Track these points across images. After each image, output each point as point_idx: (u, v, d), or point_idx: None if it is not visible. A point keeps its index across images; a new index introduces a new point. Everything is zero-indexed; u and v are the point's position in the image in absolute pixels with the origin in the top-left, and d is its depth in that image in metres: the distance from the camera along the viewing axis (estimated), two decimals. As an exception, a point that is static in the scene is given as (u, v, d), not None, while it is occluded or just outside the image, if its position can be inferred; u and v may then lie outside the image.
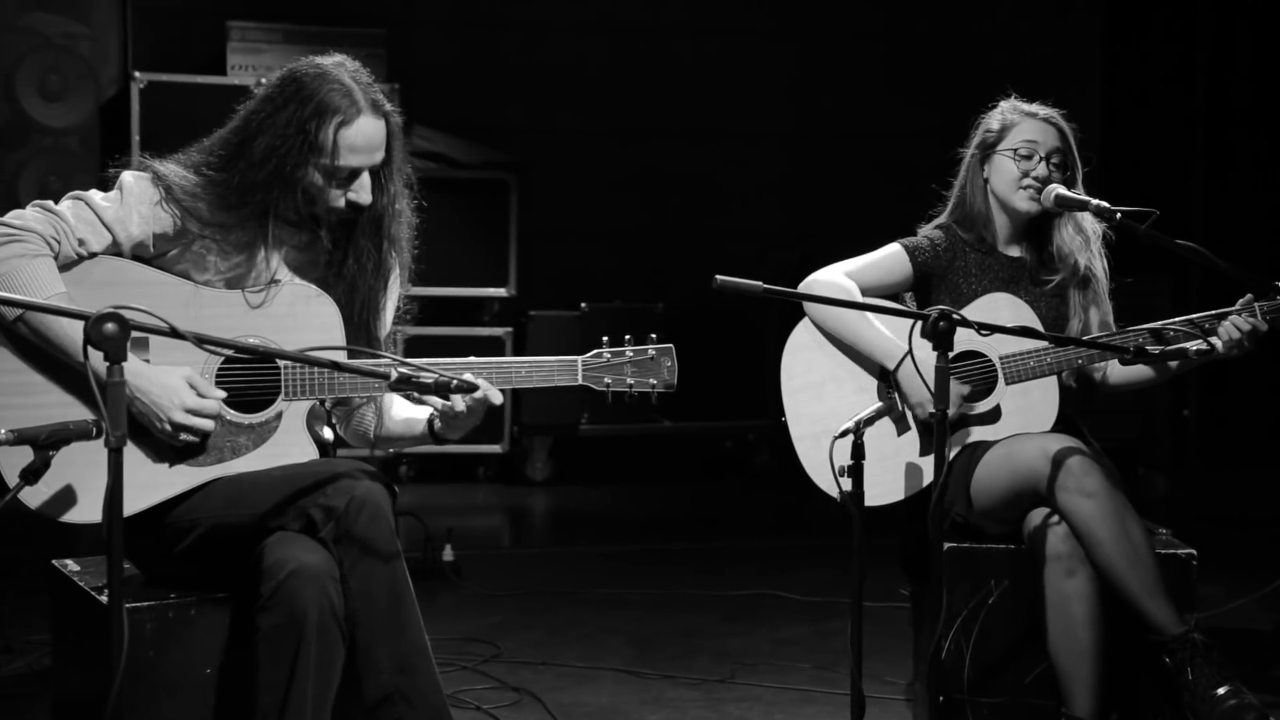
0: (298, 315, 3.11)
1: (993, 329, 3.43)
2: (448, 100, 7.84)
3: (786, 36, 8.19)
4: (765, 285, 3.16)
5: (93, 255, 3.06)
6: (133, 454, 3.01)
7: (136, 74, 7.19)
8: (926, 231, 3.98)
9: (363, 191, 3.15)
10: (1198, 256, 3.61)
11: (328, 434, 3.39)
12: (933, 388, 3.62)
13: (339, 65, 3.17)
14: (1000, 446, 3.70)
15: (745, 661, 4.64)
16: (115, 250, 3.09)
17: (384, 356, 3.05)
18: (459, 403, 3.10)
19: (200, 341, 2.65)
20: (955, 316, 3.24)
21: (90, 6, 7.38)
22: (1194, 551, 3.75)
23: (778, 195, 8.21)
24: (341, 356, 3.03)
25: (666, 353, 3.32)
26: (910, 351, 3.70)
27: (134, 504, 3.00)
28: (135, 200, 3.09)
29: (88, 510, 2.99)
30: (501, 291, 7.60)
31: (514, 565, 6.02)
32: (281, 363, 3.07)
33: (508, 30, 8.00)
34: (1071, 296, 3.89)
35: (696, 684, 4.44)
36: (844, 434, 3.42)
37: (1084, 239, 3.89)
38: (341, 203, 3.16)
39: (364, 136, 3.12)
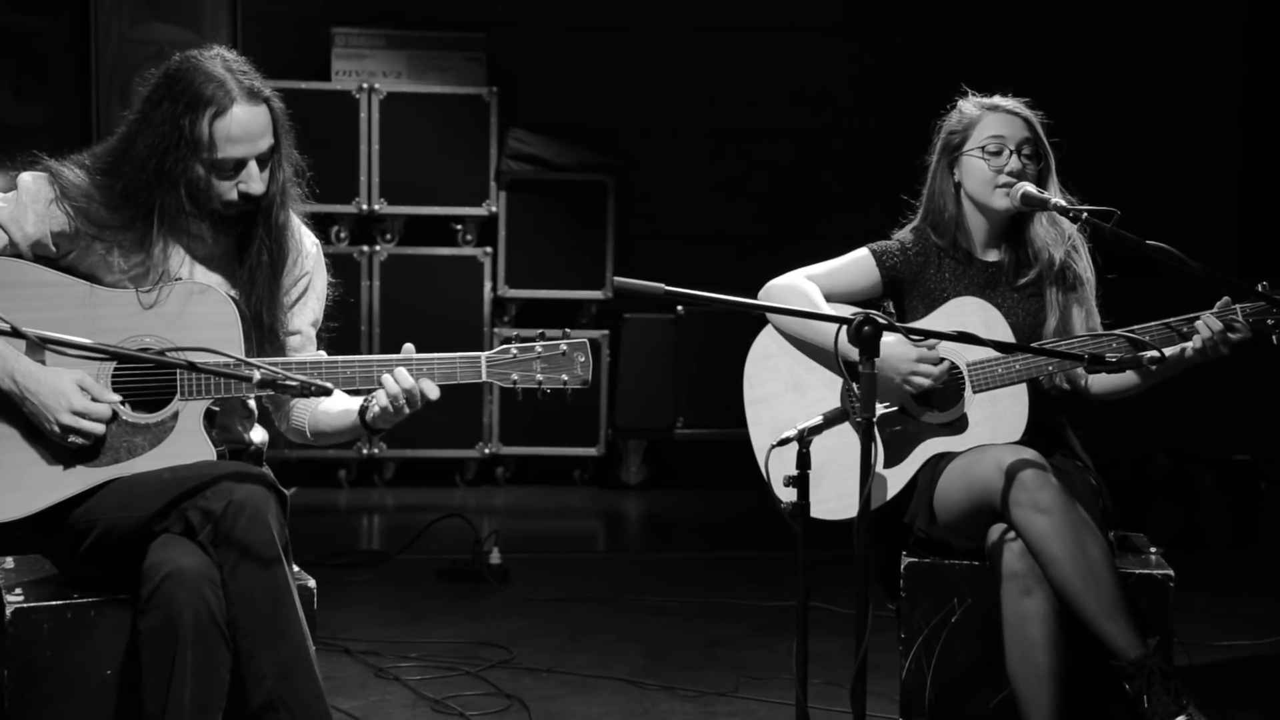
0: (189, 313, 3.11)
1: (925, 334, 3.28)
2: (548, 103, 7.83)
3: (895, 32, 7.97)
4: (666, 287, 3.07)
5: None
6: (29, 454, 3.05)
7: (243, 81, 7.36)
8: (899, 235, 3.83)
9: (252, 181, 3.14)
10: (1167, 257, 3.39)
11: (258, 434, 3.37)
12: (896, 370, 3.53)
13: (213, 57, 3.16)
14: (960, 459, 3.53)
15: (756, 675, 4.52)
16: (14, 250, 3.12)
17: (250, 361, 3.01)
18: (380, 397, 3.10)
19: (44, 342, 2.67)
20: (881, 320, 3.10)
21: (202, 16, 7.56)
22: (1171, 573, 3.53)
23: (886, 197, 7.99)
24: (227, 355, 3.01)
25: (580, 347, 3.24)
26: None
27: (32, 504, 3.05)
28: (30, 199, 3.13)
29: None
30: (598, 294, 7.57)
31: (569, 569, 5.97)
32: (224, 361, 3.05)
33: (608, 32, 7.96)
34: (1049, 294, 3.71)
35: (694, 696, 4.35)
36: (783, 442, 3.32)
37: (1058, 233, 3.70)
38: (234, 195, 3.15)
39: (240, 126, 3.11)
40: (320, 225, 7.58)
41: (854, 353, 3.58)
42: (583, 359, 3.23)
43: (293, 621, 2.97)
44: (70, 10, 7.44)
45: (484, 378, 3.19)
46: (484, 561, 5.57)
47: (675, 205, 7.98)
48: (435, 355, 3.19)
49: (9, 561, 3.39)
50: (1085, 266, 3.74)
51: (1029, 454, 3.42)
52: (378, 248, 7.48)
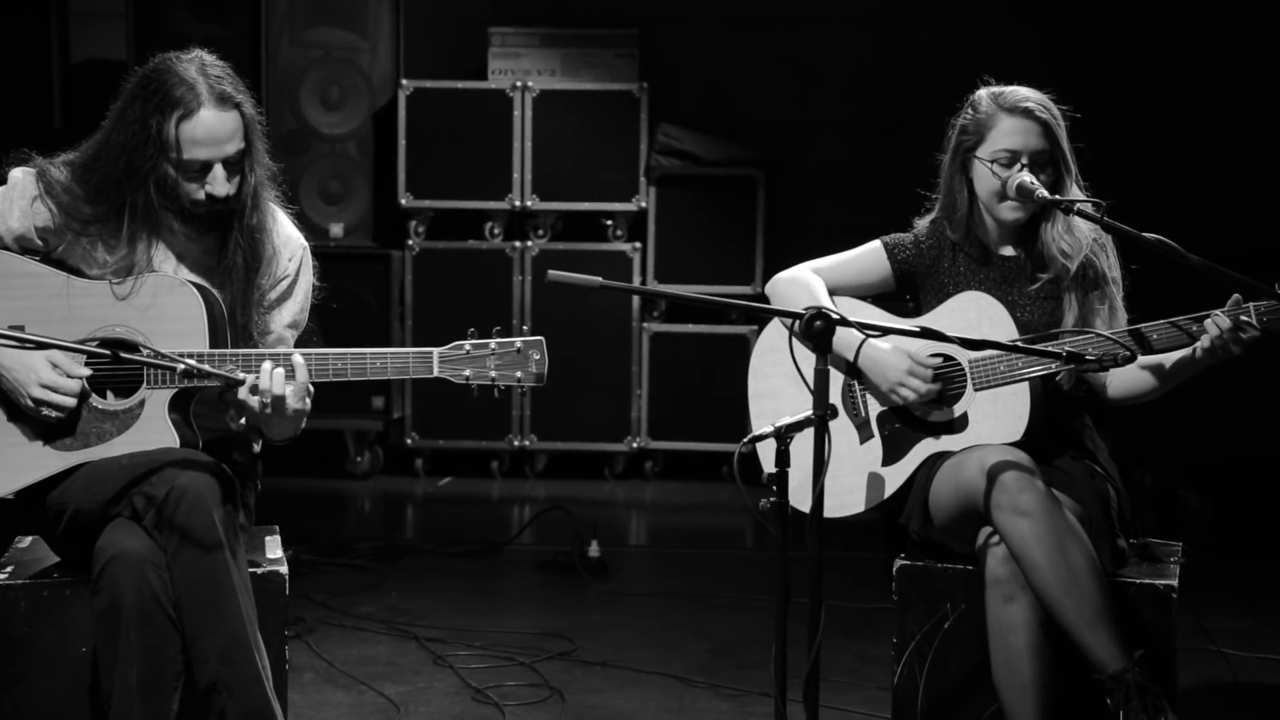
0: (160, 306, 3.20)
1: (882, 330, 3.18)
2: (700, 98, 7.82)
3: (1070, 16, 7.67)
4: (602, 280, 3.05)
5: None
6: (7, 435, 3.20)
7: (404, 81, 7.58)
8: (917, 227, 3.72)
9: (217, 184, 3.22)
10: (1166, 249, 3.21)
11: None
12: (884, 378, 3.45)
13: (190, 60, 3.24)
14: (952, 459, 3.40)
15: (812, 676, 4.43)
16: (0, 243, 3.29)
17: (172, 359, 3.07)
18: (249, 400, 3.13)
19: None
20: (833, 315, 3.02)
21: (367, 19, 7.79)
22: (1175, 584, 3.33)
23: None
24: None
25: (535, 345, 3.23)
26: (867, 339, 3.50)
27: (7, 485, 3.20)
28: (17, 195, 3.27)
29: None
30: (748, 289, 7.49)
31: (677, 564, 5.96)
32: (145, 352, 3.16)
33: (761, 26, 7.89)
34: (1066, 297, 3.53)
35: (737, 696, 4.30)
36: (756, 439, 3.26)
37: (1074, 240, 3.52)
38: (201, 195, 3.24)
39: (205, 129, 3.19)
40: (474, 221, 7.83)
41: (849, 352, 3.54)
42: (537, 357, 3.22)
43: (232, 606, 3.04)
44: (245, 17, 7.77)
45: (436, 373, 3.20)
46: (581, 555, 5.60)
47: (827, 200, 7.86)
48: (387, 350, 3.21)
49: (25, 541, 3.56)
50: (1110, 264, 3.56)
51: (1015, 455, 3.27)
52: (529, 243, 7.58)
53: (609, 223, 7.57)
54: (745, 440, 3.27)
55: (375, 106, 7.75)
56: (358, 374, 3.20)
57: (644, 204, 7.54)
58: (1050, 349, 3.19)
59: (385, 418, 7.59)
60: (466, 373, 3.20)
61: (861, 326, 3.08)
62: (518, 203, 7.54)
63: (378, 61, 7.80)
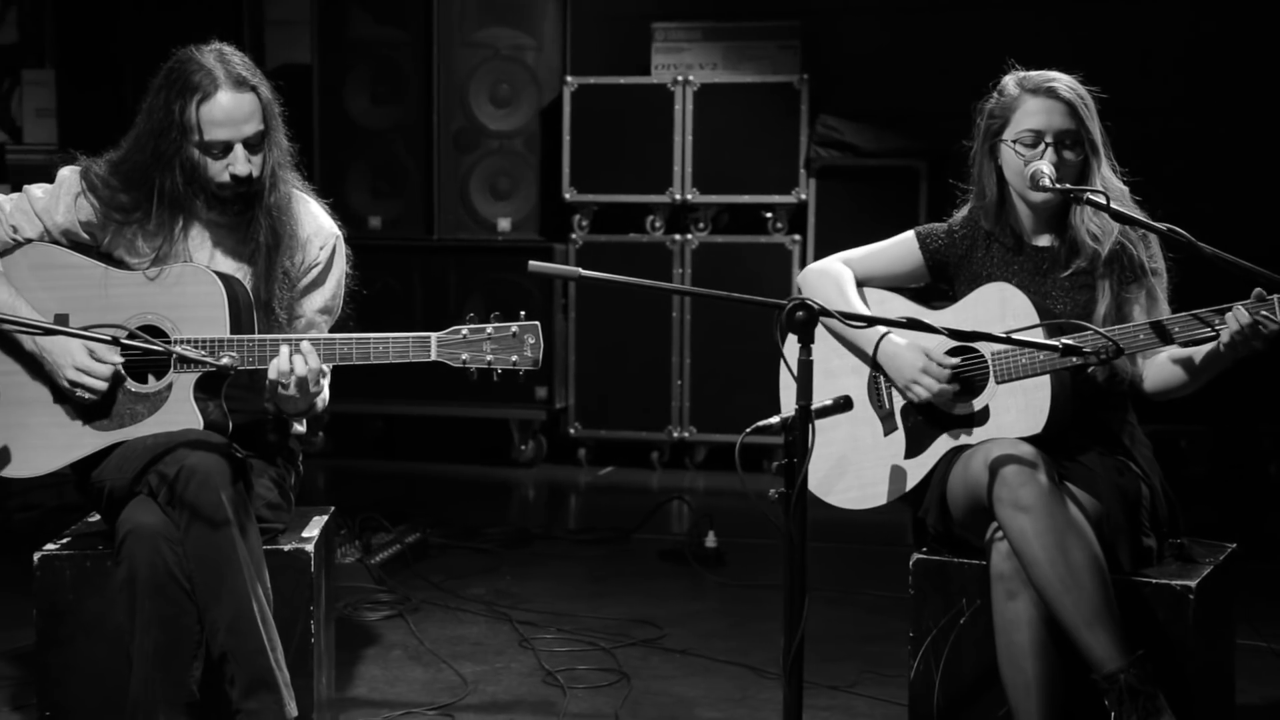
0: (186, 294, 3.39)
1: (869, 320, 3.15)
2: (864, 89, 7.76)
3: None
4: (582, 270, 3.09)
5: (28, 240, 3.51)
6: (55, 417, 3.44)
7: (568, 78, 7.72)
8: (954, 217, 3.67)
9: (238, 163, 3.40)
10: (1176, 237, 3.11)
11: None
12: (899, 374, 3.43)
13: (210, 50, 3.43)
14: (965, 453, 3.35)
15: (888, 672, 4.39)
16: (49, 237, 3.51)
17: (164, 346, 3.24)
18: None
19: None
20: (814, 305, 3.01)
21: (535, 18, 7.95)
22: (1190, 584, 3.22)
23: (1221, 185, 7.40)
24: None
25: (530, 330, 3.30)
26: (887, 334, 3.48)
27: (54, 462, 3.44)
28: (63, 192, 3.51)
29: (20, 466, 3.44)
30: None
31: (816, 558, 5.90)
32: (173, 337, 3.36)
33: (924, 14, 7.78)
34: (1100, 286, 3.43)
35: (803, 688, 4.28)
36: (760, 429, 3.26)
37: (1104, 222, 3.42)
38: (225, 176, 3.41)
39: (223, 110, 3.36)
40: (636, 215, 7.92)
41: (869, 347, 3.51)
42: (532, 341, 3.29)
43: (238, 580, 3.20)
44: (419, 19, 8.01)
45: (433, 357, 3.30)
46: (696, 545, 5.64)
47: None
48: (387, 335, 3.31)
49: (95, 516, 3.78)
50: (1151, 254, 3.45)
51: (1021, 449, 3.20)
52: (690, 236, 7.64)
53: (769, 215, 7.58)
54: (749, 430, 3.27)
55: (542, 103, 7.90)
56: (361, 357, 3.32)
57: (804, 196, 7.52)
58: (1047, 342, 3.12)
59: (549, 408, 7.74)
60: (464, 356, 3.30)
61: (844, 316, 3.06)
62: (678, 196, 7.61)
63: (544, 59, 7.94)
